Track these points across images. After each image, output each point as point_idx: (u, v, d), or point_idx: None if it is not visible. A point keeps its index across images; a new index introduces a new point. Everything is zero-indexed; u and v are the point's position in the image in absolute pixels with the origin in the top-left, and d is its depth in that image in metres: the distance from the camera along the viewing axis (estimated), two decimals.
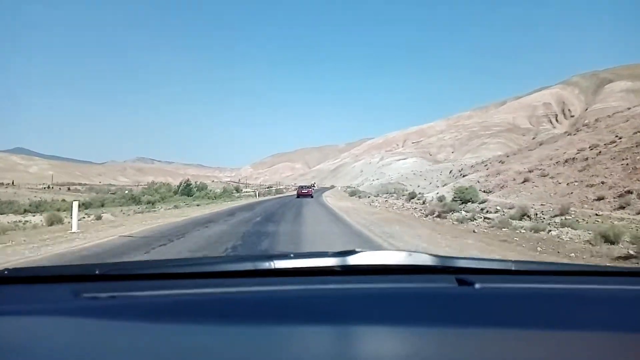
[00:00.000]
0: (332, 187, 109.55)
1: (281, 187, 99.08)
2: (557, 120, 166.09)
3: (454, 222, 13.70)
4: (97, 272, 1.15)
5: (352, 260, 1.17)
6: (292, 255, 1.28)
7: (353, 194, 42.68)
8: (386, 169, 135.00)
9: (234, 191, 66.22)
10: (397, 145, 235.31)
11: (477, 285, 1.04)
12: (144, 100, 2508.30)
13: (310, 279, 1.17)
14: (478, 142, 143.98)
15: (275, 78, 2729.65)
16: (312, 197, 32.80)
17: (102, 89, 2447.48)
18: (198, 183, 57.87)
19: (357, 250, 1.22)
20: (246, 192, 70.94)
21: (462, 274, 1.15)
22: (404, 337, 0.75)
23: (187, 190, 51.35)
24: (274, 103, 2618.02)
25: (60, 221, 14.51)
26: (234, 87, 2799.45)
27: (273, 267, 1.17)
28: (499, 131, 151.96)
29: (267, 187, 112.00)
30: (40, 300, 1.01)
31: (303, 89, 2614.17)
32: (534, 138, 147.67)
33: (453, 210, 16.38)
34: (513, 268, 1.24)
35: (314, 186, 56.60)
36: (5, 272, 1.16)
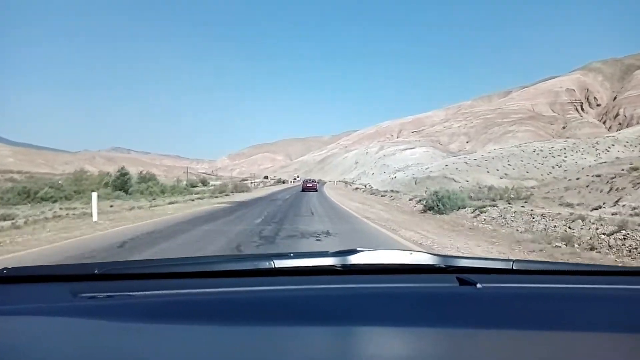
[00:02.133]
0: (321, 181, 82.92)
1: (254, 181, 71.17)
2: (582, 109, 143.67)
3: None
4: (95, 271, 1.14)
5: (353, 259, 1.15)
6: (292, 254, 1.26)
7: (444, 205, 12.57)
8: (389, 159, 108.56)
9: (199, 184, 48.76)
10: (392, 135, 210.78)
11: (478, 285, 1.03)
12: (123, 91, 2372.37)
13: (310, 279, 1.15)
14: (499, 130, 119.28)
15: (257, 69, 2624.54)
16: (316, 190, 32.91)
17: (79, 78, 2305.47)
18: (144, 173, 39.69)
19: (358, 249, 1.21)
20: (214, 185, 52.25)
21: (464, 274, 1.14)
22: (405, 337, 0.75)
23: (120, 183, 32.12)
24: (256, 94, 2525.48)
25: None
26: (216, 78, 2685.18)
27: (273, 266, 1.15)
28: (520, 119, 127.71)
29: (241, 180, 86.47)
30: (39, 299, 1.00)
31: (286, 81, 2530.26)
32: (564, 127, 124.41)
33: None
34: (514, 267, 1.23)
35: (297, 178, 54.63)
36: (4, 272, 1.15)
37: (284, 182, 74.70)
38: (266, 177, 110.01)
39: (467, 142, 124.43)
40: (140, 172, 37.37)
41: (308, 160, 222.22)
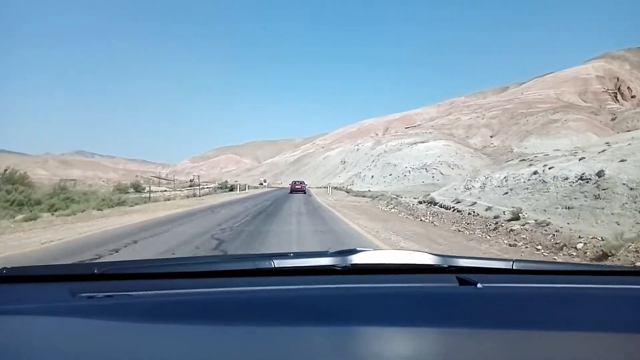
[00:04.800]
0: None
1: (207, 186, 37.47)
2: (615, 99, 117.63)
3: None
4: (95, 271, 1.13)
5: (354, 259, 1.14)
6: (291, 254, 1.25)
7: None
8: (393, 156, 76.18)
9: (131, 190, 34.29)
10: (377, 133, 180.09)
11: (478, 285, 1.02)
12: (91, 94, 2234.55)
13: (311, 279, 1.14)
14: (537, 120, 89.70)
15: (228, 72, 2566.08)
16: (304, 192, 35.38)
17: (45, 80, 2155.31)
18: (7, 172, 19.92)
19: (358, 249, 1.20)
20: (155, 190, 35.82)
21: (464, 274, 1.14)
22: (406, 337, 0.74)
23: None
24: (227, 97, 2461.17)
25: None
26: (186, 82, 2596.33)
27: (273, 266, 1.14)
28: (551, 108, 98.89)
29: (189, 185, 54.44)
30: (38, 299, 1.00)
31: (257, 83, 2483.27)
32: (613, 119, 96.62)
33: None
34: (514, 267, 1.22)
35: (263, 183, 58.65)
36: (4, 272, 1.14)
37: (231, 190, 39.86)
38: (191, 181, 70.16)
39: (492, 137, 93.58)
40: (5, 170, 21.90)
41: (278, 162, 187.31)
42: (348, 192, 39.44)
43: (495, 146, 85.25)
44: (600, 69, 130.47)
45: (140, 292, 0.99)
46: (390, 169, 70.77)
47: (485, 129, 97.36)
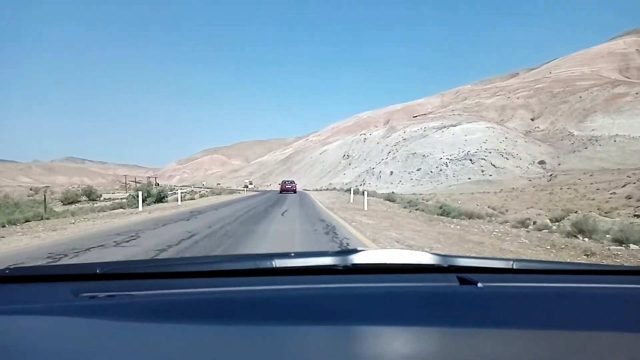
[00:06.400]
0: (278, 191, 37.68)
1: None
2: None
3: None
4: (97, 271, 1.13)
5: (354, 259, 1.14)
6: (292, 254, 1.26)
7: None
8: (417, 144, 57.01)
9: (83, 197, 30.89)
10: (377, 126, 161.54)
11: (479, 284, 1.03)
12: (84, 100, 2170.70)
13: (312, 278, 1.14)
14: (594, 96, 71.27)
15: (216, 75, 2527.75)
16: (295, 192, 35.60)
17: (36, 87, 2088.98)
18: None
19: (359, 249, 1.19)
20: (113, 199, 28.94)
21: (464, 273, 1.14)
22: (407, 337, 0.74)
23: None
24: (217, 99, 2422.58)
25: None
26: (179, 86, 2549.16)
27: (274, 266, 1.14)
28: (594, 85, 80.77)
29: (163, 190, 34.59)
30: (40, 299, 1.00)
31: (245, 85, 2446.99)
32: None
33: None
34: (514, 267, 1.22)
35: (247, 186, 58.05)
36: (6, 272, 1.14)
37: (160, 199, 20.16)
38: (157, 185, 46.56)
39: (534, 119, 74.97)
40: None
41: (267, 161, 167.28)
42: (393, 201, 20.28)
43: (542, 129, 67.00)
44: (634, 44, 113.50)
45: (142, 292, 0.99)
46: (418, 162, 51.82)
47: (523, 110, 79.03)
